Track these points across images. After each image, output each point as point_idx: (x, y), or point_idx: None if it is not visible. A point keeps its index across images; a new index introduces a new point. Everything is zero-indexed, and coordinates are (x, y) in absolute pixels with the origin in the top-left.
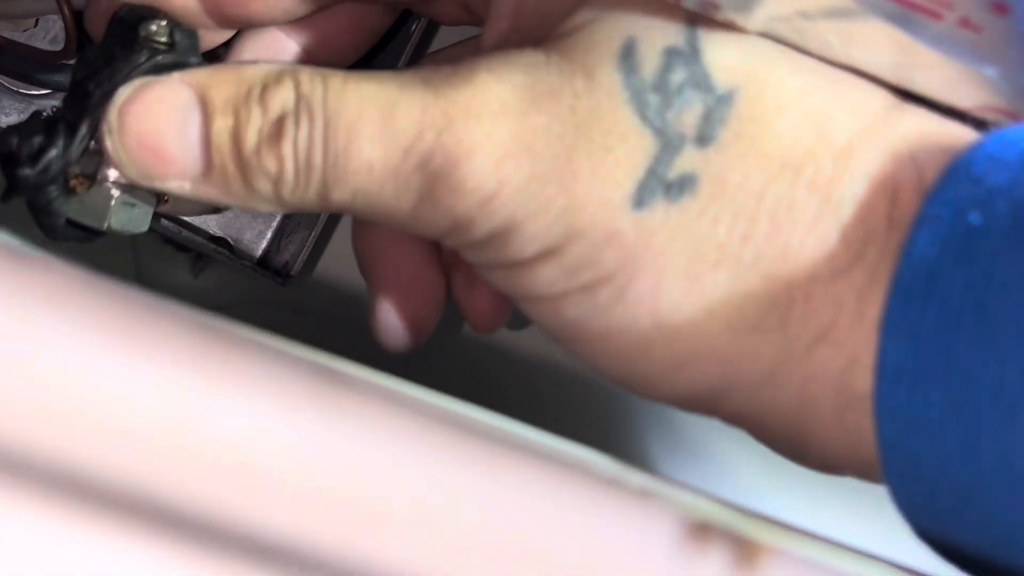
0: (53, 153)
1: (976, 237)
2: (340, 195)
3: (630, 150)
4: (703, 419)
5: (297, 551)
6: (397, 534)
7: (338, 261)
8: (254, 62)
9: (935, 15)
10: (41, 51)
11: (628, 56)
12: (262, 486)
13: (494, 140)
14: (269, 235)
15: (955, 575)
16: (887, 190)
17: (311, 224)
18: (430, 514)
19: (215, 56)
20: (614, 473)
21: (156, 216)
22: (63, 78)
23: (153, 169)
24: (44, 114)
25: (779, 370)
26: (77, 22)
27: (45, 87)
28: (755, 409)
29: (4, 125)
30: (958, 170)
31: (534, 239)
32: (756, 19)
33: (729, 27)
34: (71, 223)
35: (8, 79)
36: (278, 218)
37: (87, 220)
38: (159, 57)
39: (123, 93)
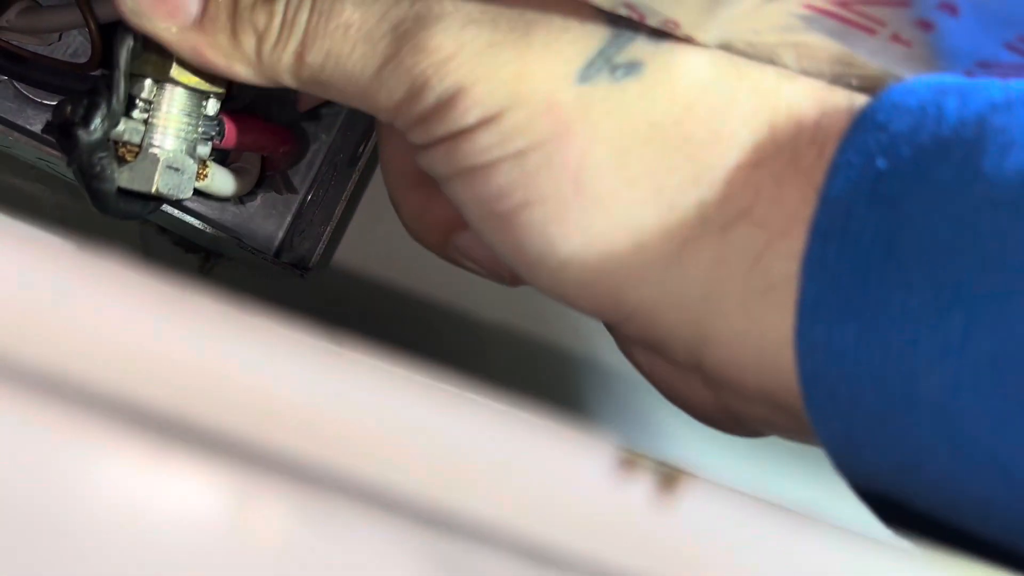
0: (102, 110)
1: (883, 180)
2: (314, 56)
3: (586, 33)
4: (645, 389)
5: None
6: (363, 454)
7: (353, 255)
8: None
9: (870, 31)
10: (68, 63)
11: None
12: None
13: (461, 10)
14: (282, 233)
15: (879, 533)
16: (818, 107)
17: (327, 219)
18: (393, 436)
19: None
20: (551, 416)
21: (171, 211)
22: (88, 87)
23: (149, 7)
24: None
25: (689, 249)
26: (102, 35)
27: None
28: (658, 297)
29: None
30: (865, 118)
31: (479, 103)
32: (711, 35)
33: (688, 41)
34: (121, 192)
35: (32, 90)
36: (291, 214)
37: (136, 185)
38: None
39: None
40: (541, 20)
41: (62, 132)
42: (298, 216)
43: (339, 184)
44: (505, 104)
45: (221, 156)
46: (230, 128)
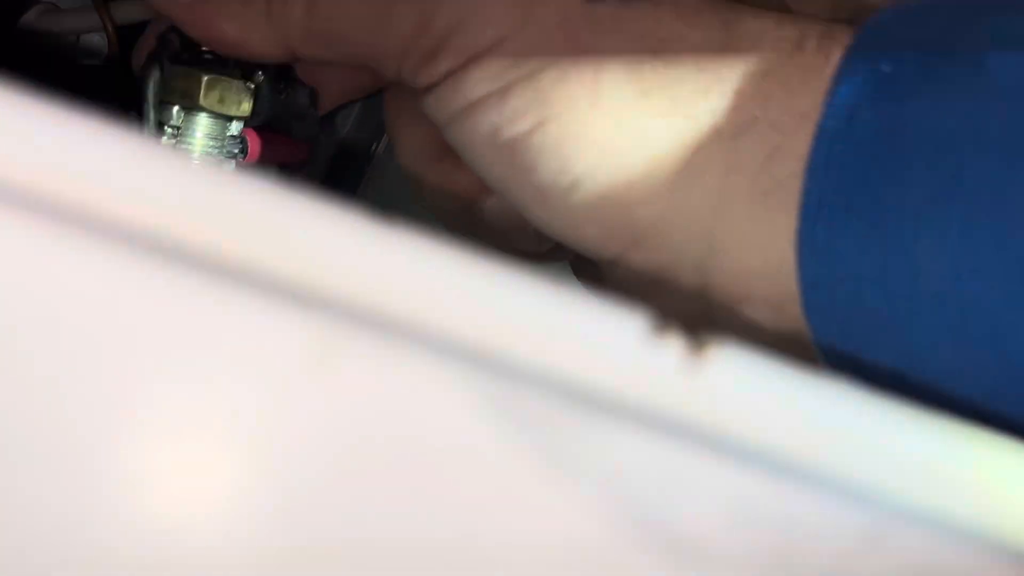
0: None
1: (887, 83)
2: (323, 6)
3: None
4: None
5: None
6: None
7: None
8: None
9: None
10: (85, 66)
11: None
12: None
13: None
14: None
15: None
16: (821, 22)
17: None
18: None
19: None
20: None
21: None
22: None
23: None
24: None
25: (702, 158)
26: (119, 37)
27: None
28: (671, 211)
29: None
30: (870, 26)
31: (490, 25)
32: None
33: None
34: None
35: None
36: None
37: None
38: (208, 55)
39: None
40: None
41: None
42: None
43: (352, 181)
44: (516, 24)
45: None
46: (253, 145)
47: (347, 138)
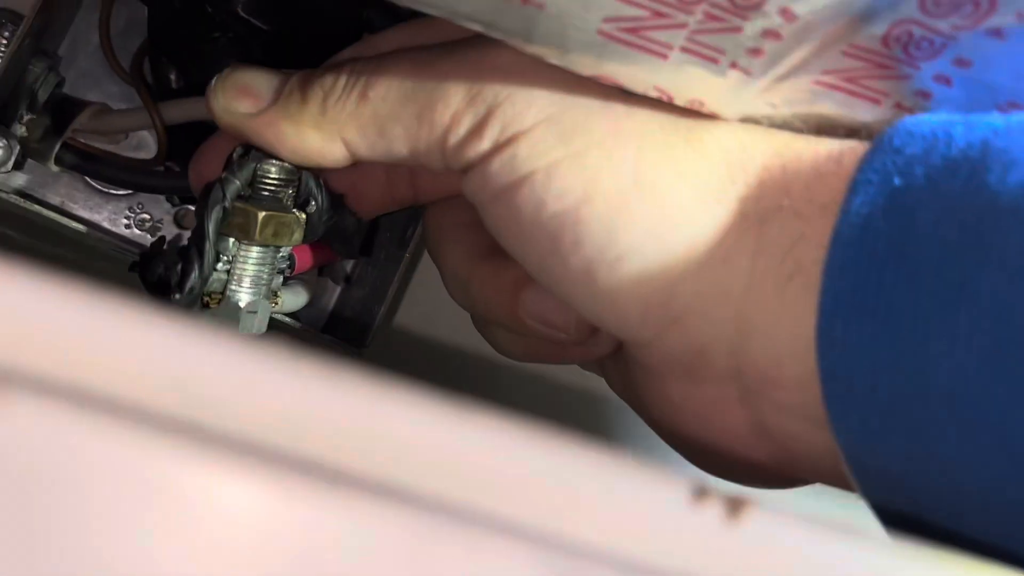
0: (194, 276)
1: (898, 196)
2: (376, 90)
3: None
4: None
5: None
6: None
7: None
8: None
9: (875, 101)
10: (138, 160)
11: None
12: None
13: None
14: (331, 307)
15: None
16: (831, 139)
17: (380, 298)
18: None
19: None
20: (624, 453)
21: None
22: (155, 181)
23: (235, 99)
24: (165, 241)
25: (733, 241)
26: (168, 135)
27: (138, 189)
28: (707, 291)
29: (97, 221)
30: (883, 142)
31: (538, 104)
32: (734, 111)
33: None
34: None
35: (101, 183)
36: (339, 289)
37: None
38: (263, 192)
39: (234, 66)
40: None
41: (156, 290)
42: (347, 291)
43: (390, 265)
44: (562, 105)
45: None
46: (300, 260)
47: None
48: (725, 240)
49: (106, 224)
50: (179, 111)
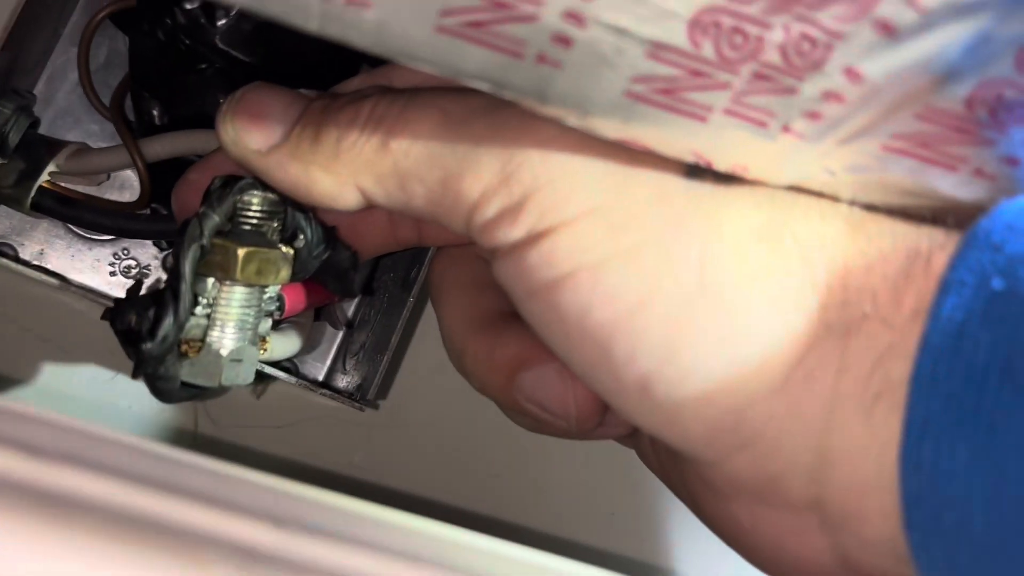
0: (168, 322)
1: (999, 301)
2: (399, 143)
3: None
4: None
5: None
6: None
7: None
8: None
9: (951, 168)
10: (118, 203)
11: None
12: None
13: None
14: (331, 356)
15: None
16: (911, 222)
17: (383, 347)
18: None
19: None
20: None
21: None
22: (138, 226)
23: (244, 131)
24: (141, 285)
25: (814, 356)
26: (150, 175)
27: (120, 235)
28: (783, 413)
29: (77, 270)
30: (978, 236)
31: (584, 190)
32: (783, 178)
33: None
34: (184, 384)
35: (82, 229)
36: (338, 340)
37: (200, 380)
38: (244, 226)
39: (251, 85)
40: None
41: (127, 340)
42: (348, 339)
43: (393, 310)
44: (612, 193)
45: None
46: (291, 301)
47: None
48: (805, 355)
49: (85, 275)
50: (162, 147)
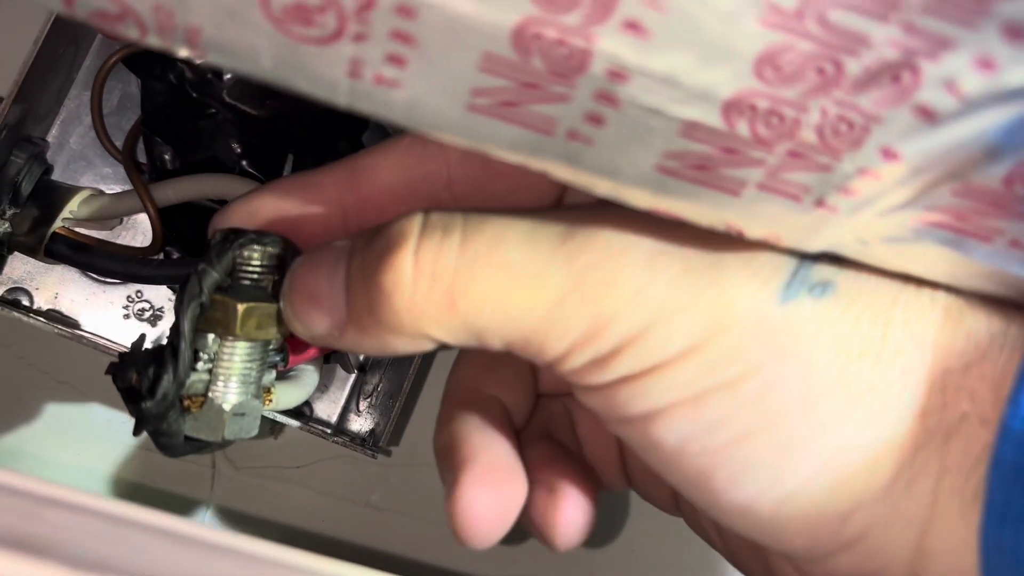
0: (167, 380)
1: None
2: (468, 302)
3: (774, 259)
4: None
5: None
6: None
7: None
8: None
9: (986, 239)
10: (130, 248)
11: None
12: None
13: (647, 239)
14: (344, 397)
15: None
16: (1007, 314)
17: (395, 392)
18: None
19: None
20: None
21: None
22: (149, 272)
23: (308, 321)
24: (144, 340)
25: (918, 461)
26: (162, 220)
27: (131, 280)
28: (887, 516)
29: (90, 315)
30: None
31: (680, 334)
32: (815, 247)
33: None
34: (187, 438)
35: (96, 274)
36: (351, 381)
37: (203, 435)
38: (244, 281)
39: (294, 265)
40: (727, 247)
41: (128, 398)
42: (360, 380)
43: (404, 356)
44: (709, 331)
45: None
46: (294, 351)
47: None
48: (907, 462)
49: (99, 318)
50: (174, 192)
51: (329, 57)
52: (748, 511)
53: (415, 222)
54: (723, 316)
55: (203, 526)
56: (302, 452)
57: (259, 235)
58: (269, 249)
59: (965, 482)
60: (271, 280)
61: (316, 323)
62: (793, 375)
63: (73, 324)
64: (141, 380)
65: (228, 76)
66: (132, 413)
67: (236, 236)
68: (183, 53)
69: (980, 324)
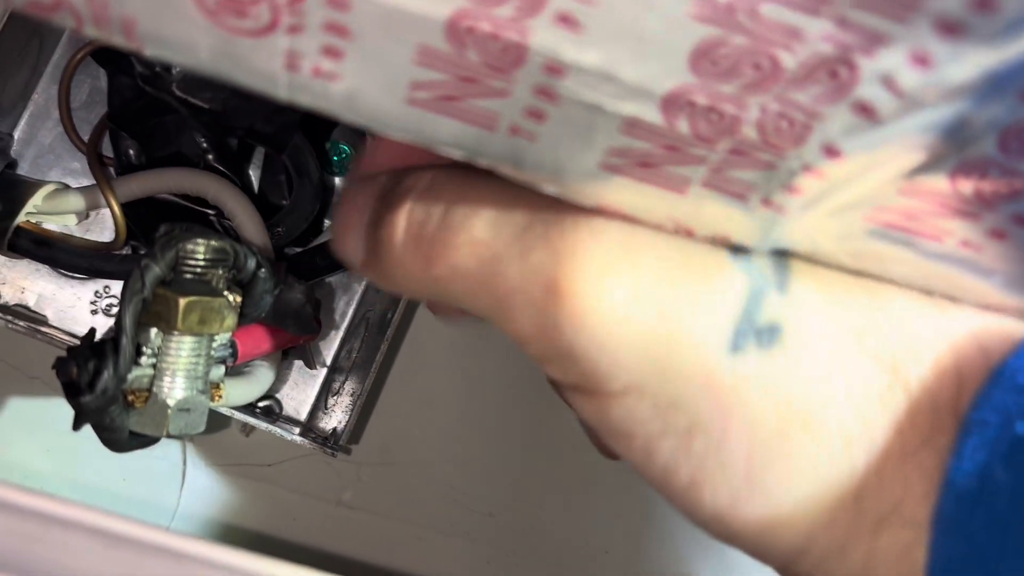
0: (106, 375)
1: (1022, 446)
2: (439, 270)
3: (726, 284)
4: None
5: None
6: None
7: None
8: None
9: (937, 239)
10: (95, 243)
11: None
12: None
13: (603, 244)
14: (314, 395)
15: None
16: (953, 376)
17: (356, 390)
18: None
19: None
20: None
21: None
22: (113, 267)
23: (343, 248)
24: (94, 334)
25: (849, 543)
26: (126, 215)
27: (95, 275)
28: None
29: (57, 311)
30: (1003, 376)
31: (626, 370)
32: (766, 245)
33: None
34: (132, 434)
35: (60, 269)
36: (321, 379)
37: (147, 430)
38: (187, 275)
39: (344, 186)
40: (681, 266)
41: (69, 392)
42: (330, 378)
43: (369, 353)
44: (654, 376)
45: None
46: (246, 346)
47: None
48: (845, 541)
49: (66, 312)
50: (137, 186)
51: (265, 49)
52: (709, 530)
53: (423, 179)
54: (668, 359)
55: (168, 533)
56: (273, 450)
57: (203, 229)
58: (214, 243)
59: (897, 564)
60: (216, 275)
61: (348, 254)
62: (741, 441)
63: (40, 319)
64: (81, 374)
65: (176, 69)
66: (71, 404)
67: (179, 230)
68: (122, 45)
69: (924, 401)
